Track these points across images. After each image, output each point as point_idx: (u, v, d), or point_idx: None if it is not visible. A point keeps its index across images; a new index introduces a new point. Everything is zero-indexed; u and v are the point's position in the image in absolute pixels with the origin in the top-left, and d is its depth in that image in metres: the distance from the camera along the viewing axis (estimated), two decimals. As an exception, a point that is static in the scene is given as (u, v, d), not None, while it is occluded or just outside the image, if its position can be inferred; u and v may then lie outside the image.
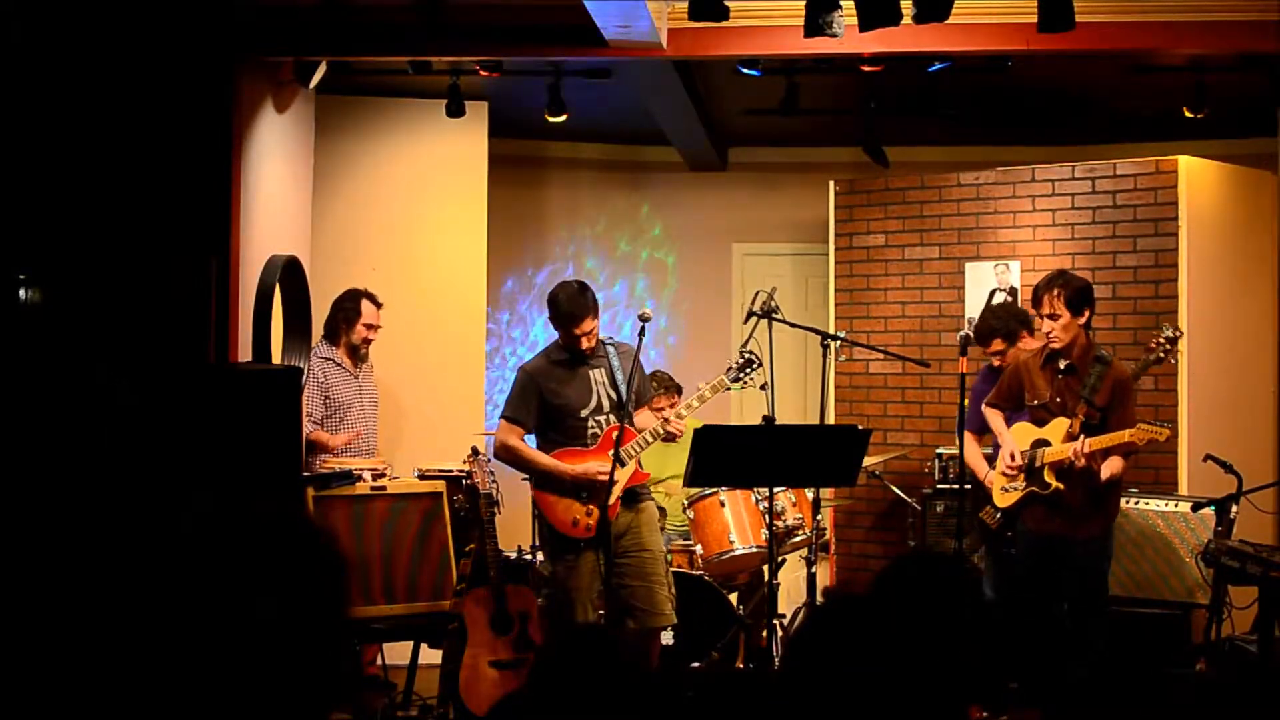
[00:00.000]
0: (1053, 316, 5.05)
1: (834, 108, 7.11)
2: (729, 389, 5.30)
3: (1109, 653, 5.19)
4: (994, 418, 5.36)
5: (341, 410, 6.09)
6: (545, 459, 5.17)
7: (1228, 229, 6.59)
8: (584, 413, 5.17)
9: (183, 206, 4.88)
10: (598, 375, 5.21)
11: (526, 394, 5.21)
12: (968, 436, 5.70)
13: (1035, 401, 5.18)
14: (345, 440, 5.97)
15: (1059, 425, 5.05)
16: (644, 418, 5.26)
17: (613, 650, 2.79)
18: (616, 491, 5.07)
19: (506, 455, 5.24)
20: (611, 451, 5.01)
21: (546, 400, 5.18)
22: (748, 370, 5.24)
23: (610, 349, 5.25)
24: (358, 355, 6.21)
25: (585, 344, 5.14)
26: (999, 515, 5.39)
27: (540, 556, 5.74)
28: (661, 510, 5.70)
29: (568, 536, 5.12)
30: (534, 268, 8.56)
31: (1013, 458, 5.13)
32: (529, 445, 5.27)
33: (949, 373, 6.47)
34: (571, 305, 5.11)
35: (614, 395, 5.19)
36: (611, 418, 5.17)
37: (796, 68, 6.36)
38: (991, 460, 5.59)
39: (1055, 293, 5.04)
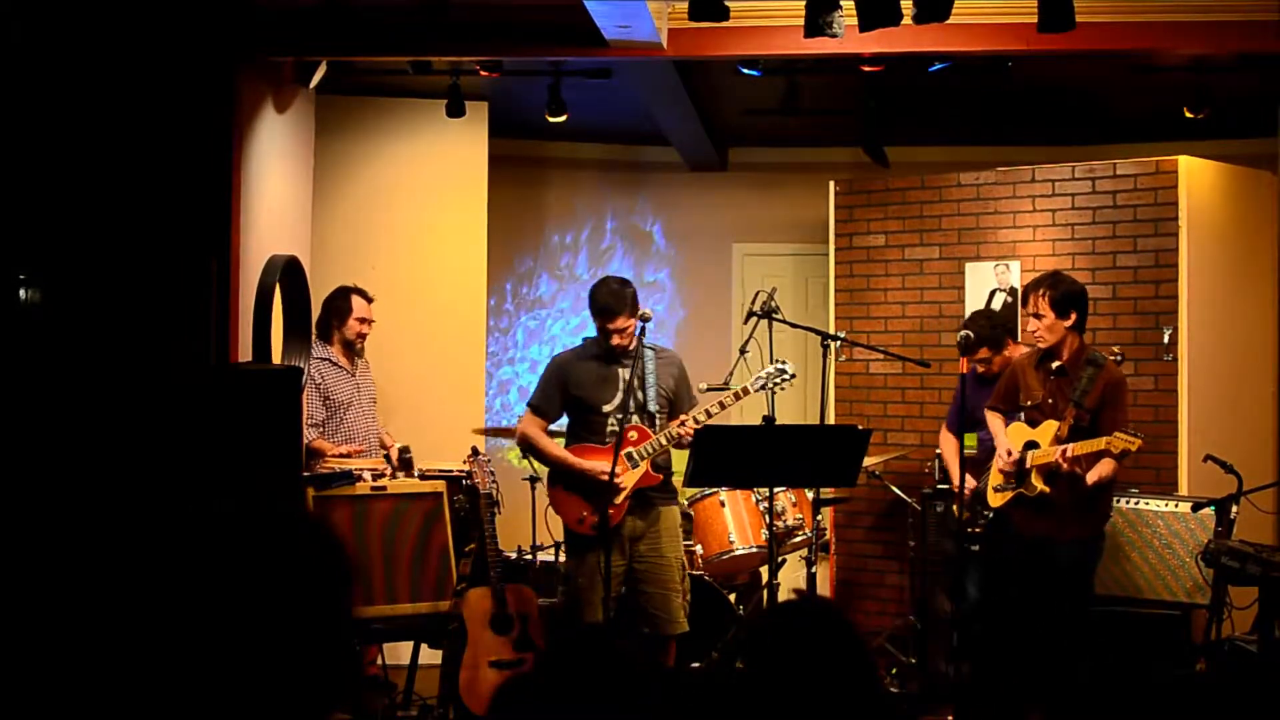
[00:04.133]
0: (1037, 315, 5.10)
1: (834, 108, 7.10)
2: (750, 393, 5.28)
3: (1105, 653, 5.19)
4: (994, 420, 5.37)
5: (341, 410, 6.08)
6: (558, 451, 5.22)
7: (1228, 229, 6.58)
8: (605, 409, 5.18)
9: (183, 207, 4.88)
10: (627, 375, 5.21)
11: (551, 384, 5.27)
12: (945, 435, 5.76)
13: (1028, 403, 5.19)
14: (348, 452, 5.96)
15: (1048, 428, 5.06)
16: None
17: (614, 650, 2.80)
18: (625, 493, 5.08)
19: (524, 444, 5.32)
20: (625, 451, 5.04)
21: (568, 392, 5.21)
22: (778, 380, 5.24)
23: (649, 352, 5.23)
24: (354, 351, 6.20)
25: (618, 340, 5.14)
26: (973, 510, 5.43)
27: (562, 557, 5.76)
28: (687, 516, 5.68)
29: (576, 533, 5.17)
30: (534, 268, 8.56)
31: (1009, 454, 5.14)
32: (548, 437, 5.30)
33: (949, 373, 6.47)
34: (607, 300, 5.12)
35: (640, 398, 5.19)
36: (635, 418, 5.17)
37: (796, 68, 6.36)
38: (980, 463, 5.61)
39: (1041, 292, 5.10)
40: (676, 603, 5.19)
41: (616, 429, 5.15)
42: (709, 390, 5.46)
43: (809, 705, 2.31)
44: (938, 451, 6.39)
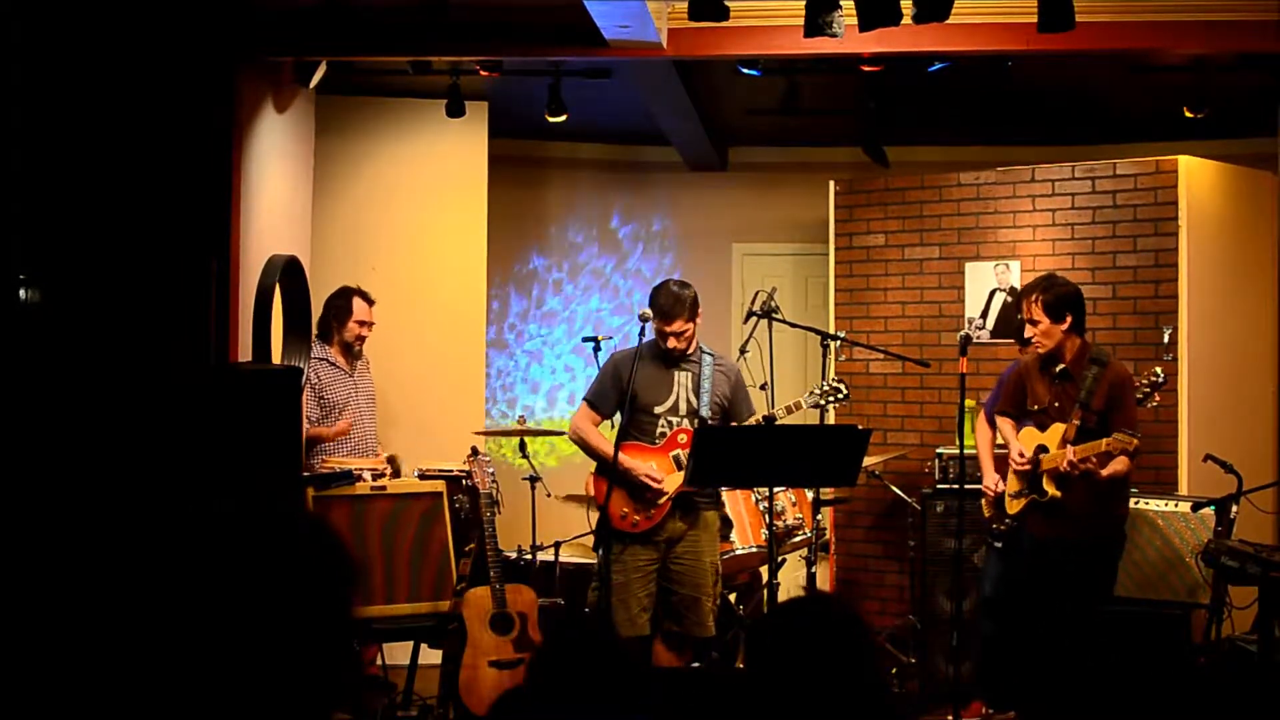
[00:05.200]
0: (1032, 321, 5.10)
1: (834, 108, 7.10)
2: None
3: (1106, 652, 5.19)
4: (1004, 425, 5.36)
5: (337, 410, 6.09)
6: (609, 450, 5.17)
7: (1228, 229, 6.58)
8: (658, 410, 5.18)
9: (183, 207, 4.88)
10: (683, 379, 5.21)
11: (608, 381, 5.26)
12: (982, 425, 5.72)
13: (1036, 407, 5.19)
14: (342, 429, 5.95)
15: (1056, 431, 5.06)
16: None
17: (611, 647, 2.80)
18: (670, 494, 5.10)
19: (575, 438, 5.32)
20: (673, 454, 5.09)
21: (624, 390, 5.17)
22: (831, 398, 5.28)
23: (708, 358, 5.24)
24: (352, 353, 6.21)
25: (674, 344, 5.13)
26: (998, 507, 5.43)
27: (563, 556, 5.76)
28: (727, 520, 5.68)
29: (616, 529, 5.15)
30: (534, 268, 8.56)
31: (1022, 455, 5.13)
32: (601, 435, 5.29)
33: (949, 373, 6.46)
34: (666, 302, 5.11)
35: (694, 402, 5.20)
36: (686, 422, 5.18)
37: (796, 68, 6.36)
38: (1004, 463, 5.61)
39: (1034, 298, 5.10)
40: (707, 606, 5.19)
41: (666, 431, 5.17)
42: None
43: (815, 700, 2.30)
44: (938, 451, 6.39)
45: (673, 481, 5.09)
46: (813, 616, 2.44)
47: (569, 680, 2.69)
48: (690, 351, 5.21)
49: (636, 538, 5.12)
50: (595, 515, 5.38)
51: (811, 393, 5.31)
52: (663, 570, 5.17)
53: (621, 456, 5.09)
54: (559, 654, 2.77)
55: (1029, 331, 5.16)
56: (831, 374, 5.51)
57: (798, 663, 2.33)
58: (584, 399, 5.35)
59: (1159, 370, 5.42)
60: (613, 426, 5.34)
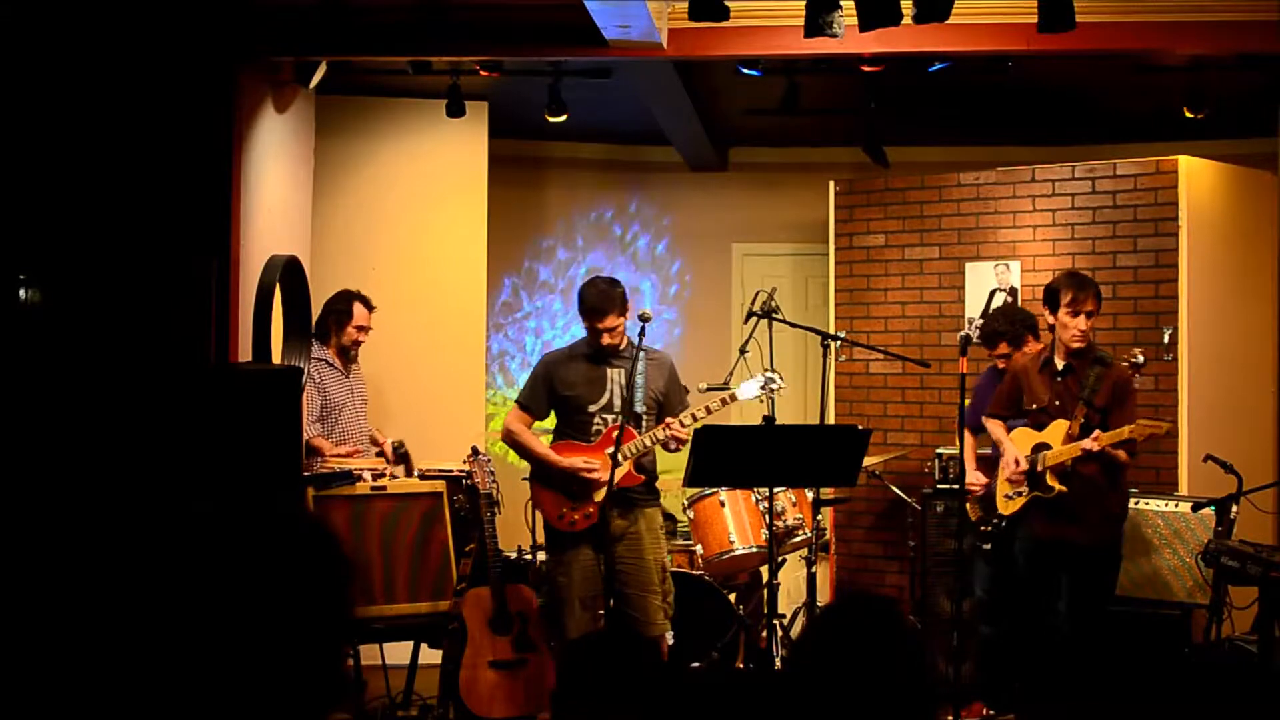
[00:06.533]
0: (1089, 314, 5.06)
1: (834, 108, 7.10)
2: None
3: (1109, 653, 5.20)
4: (994, 427, 5.36)
5: (335, 410, 6.09)
6: (540, 448, 5.24)
7: (1228, 229, 6.58)
8: (592, 408, 5.18)
9: (183, 207, 4.88)
10: (616, 375, 5.21)
11: (539, 383, 5.28)
12: (967, 436, 5.75)
13: (1034, 406, 5.19)
14: (347, 452, 5.97)
15: (1058, 428, 5.06)
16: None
17: (636, 653, 2.80)
18: (604, 490, 5.07)
19: (509, 440, 5.34)
20: (608, 450, 5.03)
21: (556, 391, 5.21)
22: (768, 390, 5.26)
23: (640, 353, 5.22)
24: (347, 356, 6.21)
25: (608, 339, 5.14)
26: (985, 509, 5.45)
27: (541, 556, 5.76)
28: (670, 517, 5.67)
29: (558, 531, 5.18)
30: (534, 268, 8.56)
31: (1017, 463, 5.14)
32: (533, 434, 5.32)
33: (949, 373, 6.47)
34: (597, 299, 5.13)
35: (627, 398, 5.19)
36: (620, 419, 5.17)
37: (796, 68, 6.36)
38: (989, 465, 5.62)
39: (1091, 292, 5.07)
40: (655, 604, 5.16)
41: (601, 428, 5.16)
42: (709, 390, 5.46)
43: (861, 702, 2.27)
44: (938, 451, 6.40)
45: (613, 475, 5.07)
46: (860, 616, 2.40)
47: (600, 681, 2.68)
48: (622, 347, 5.21)
49: (579, 539, 5.11)
50: (540, 522, 5.39)
51: (745, 385, 5.24)
52: (608, 571, 5.15)
53: (554, 455, 5.12)
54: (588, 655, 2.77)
55: (1083, 324, 5.06)
56: (767, 364, 5.41)
57: (855, 665, 2.29)
58: (516, 401, 5.38)
59: (1138, 352, 5.40)
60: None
